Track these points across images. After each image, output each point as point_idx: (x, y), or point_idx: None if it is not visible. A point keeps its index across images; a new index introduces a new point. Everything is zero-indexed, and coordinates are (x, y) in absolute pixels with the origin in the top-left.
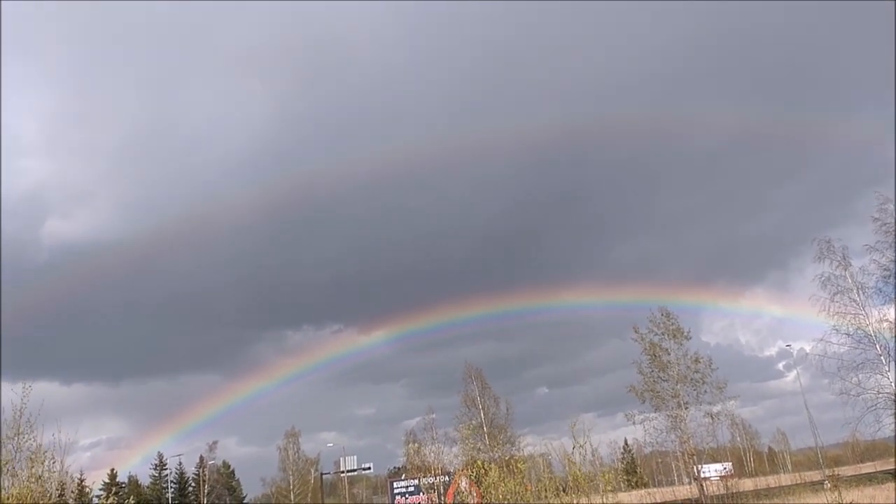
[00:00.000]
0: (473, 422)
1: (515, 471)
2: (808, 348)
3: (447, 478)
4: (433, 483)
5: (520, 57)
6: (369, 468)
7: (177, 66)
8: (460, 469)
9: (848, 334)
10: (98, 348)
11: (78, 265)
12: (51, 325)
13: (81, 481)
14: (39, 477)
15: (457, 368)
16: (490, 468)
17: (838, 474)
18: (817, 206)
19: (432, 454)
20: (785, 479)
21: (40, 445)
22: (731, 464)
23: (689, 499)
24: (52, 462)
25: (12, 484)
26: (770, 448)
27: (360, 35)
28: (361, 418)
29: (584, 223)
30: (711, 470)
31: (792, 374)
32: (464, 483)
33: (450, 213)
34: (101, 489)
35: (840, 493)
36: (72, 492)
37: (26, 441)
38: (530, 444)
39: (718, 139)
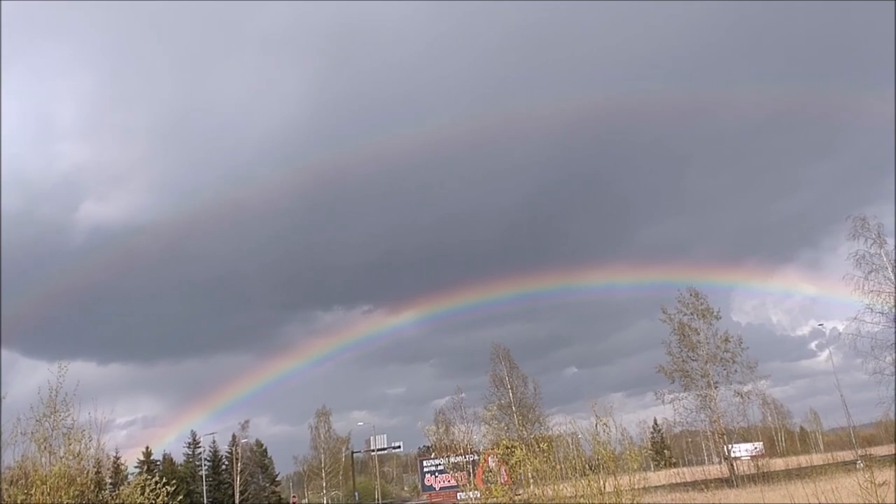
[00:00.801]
0: (502, 401)
1: (538, 450)
2: (841, 327)
3: (476, 456)
4: (459, 462)
5: (546, 39)
6: (399, 447)
7: (210, 49)
8: (488, 448)
9: (882, 313)
10: (133, 329)
11: (113, 247)
12: (87, 306)
13: (117, 459)
14: (78, 454)
15: (486, 349)
16: (517, 446)
17: (871, 454)
18: (850, 184)
19: (460, 433)
20: (817, 458)
21: (75, 423)
22: (762, 443)
23: (719, 478)
24: (88, 440)
25: (51, 461)
26: (802, 428)
27: (390, 17)
28: (392, 397)
29: (612, 204)
30: (742, 449)
31: (824, 354)
32: (492, 462)
33: (478, 195)
34: (135, 467)
35: (873, 473)
36: (108, 469)
37: (62, 419)
38: (559, 424)
39: (748, 117)
